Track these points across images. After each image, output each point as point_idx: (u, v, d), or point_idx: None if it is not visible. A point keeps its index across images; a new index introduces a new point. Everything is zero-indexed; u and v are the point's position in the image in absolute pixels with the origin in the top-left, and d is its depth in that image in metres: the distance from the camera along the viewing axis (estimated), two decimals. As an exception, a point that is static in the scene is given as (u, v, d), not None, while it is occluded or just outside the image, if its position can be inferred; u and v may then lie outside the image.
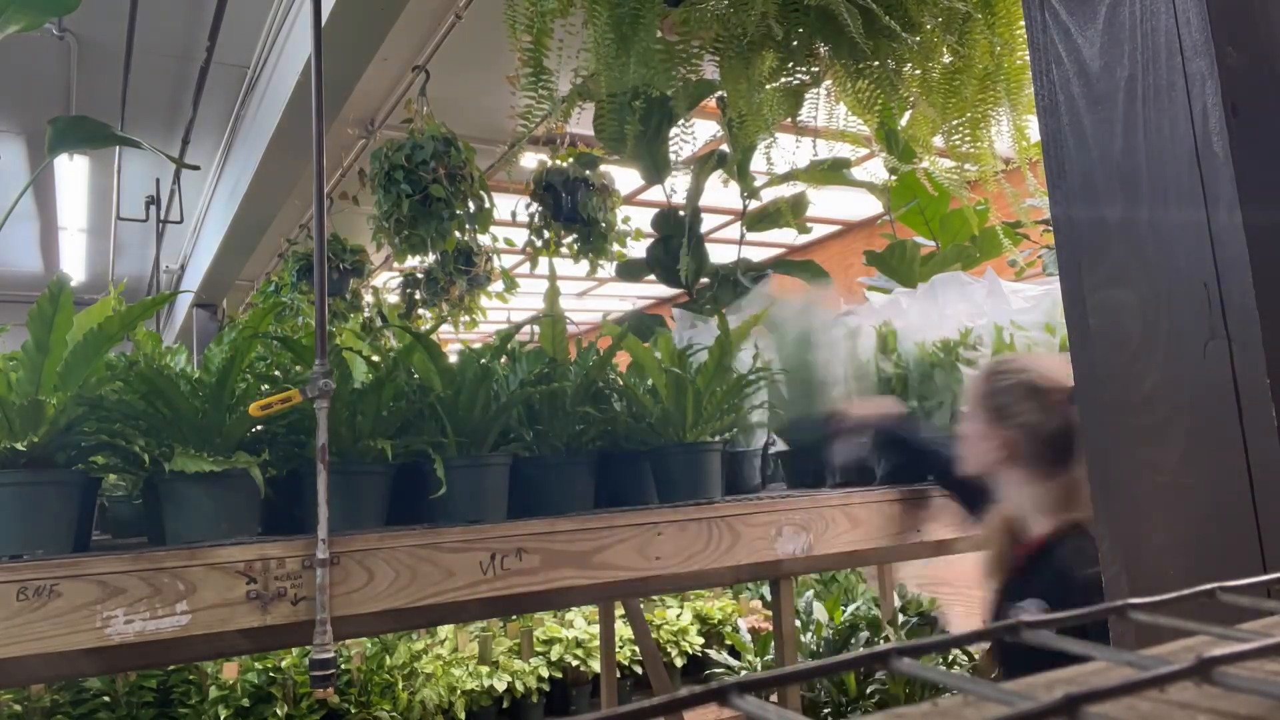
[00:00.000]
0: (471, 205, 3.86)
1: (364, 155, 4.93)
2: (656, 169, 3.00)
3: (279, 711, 3.50)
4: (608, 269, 3.85)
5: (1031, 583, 1.48)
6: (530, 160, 4.01)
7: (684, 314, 2.56)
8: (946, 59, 1.49)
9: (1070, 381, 1.09)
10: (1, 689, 3.12)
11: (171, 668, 3.51)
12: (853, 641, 3.66)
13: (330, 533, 1.34)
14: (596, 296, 10.27)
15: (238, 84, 5.12)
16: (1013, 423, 1.52)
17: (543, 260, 3.60)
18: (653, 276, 3.16)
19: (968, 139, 1.55)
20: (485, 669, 4.06)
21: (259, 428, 1.55)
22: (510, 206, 3.99)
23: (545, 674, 4.16)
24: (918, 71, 1.49)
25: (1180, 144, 0.76)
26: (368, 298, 5.69)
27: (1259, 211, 0.72)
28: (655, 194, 5.45)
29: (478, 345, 1.76)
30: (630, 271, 3.35)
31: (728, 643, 4.48)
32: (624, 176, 4.43)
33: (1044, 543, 1.49)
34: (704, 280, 3.09)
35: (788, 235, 3.81)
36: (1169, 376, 0.76)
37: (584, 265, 3.89)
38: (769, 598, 3.18)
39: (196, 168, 2.68)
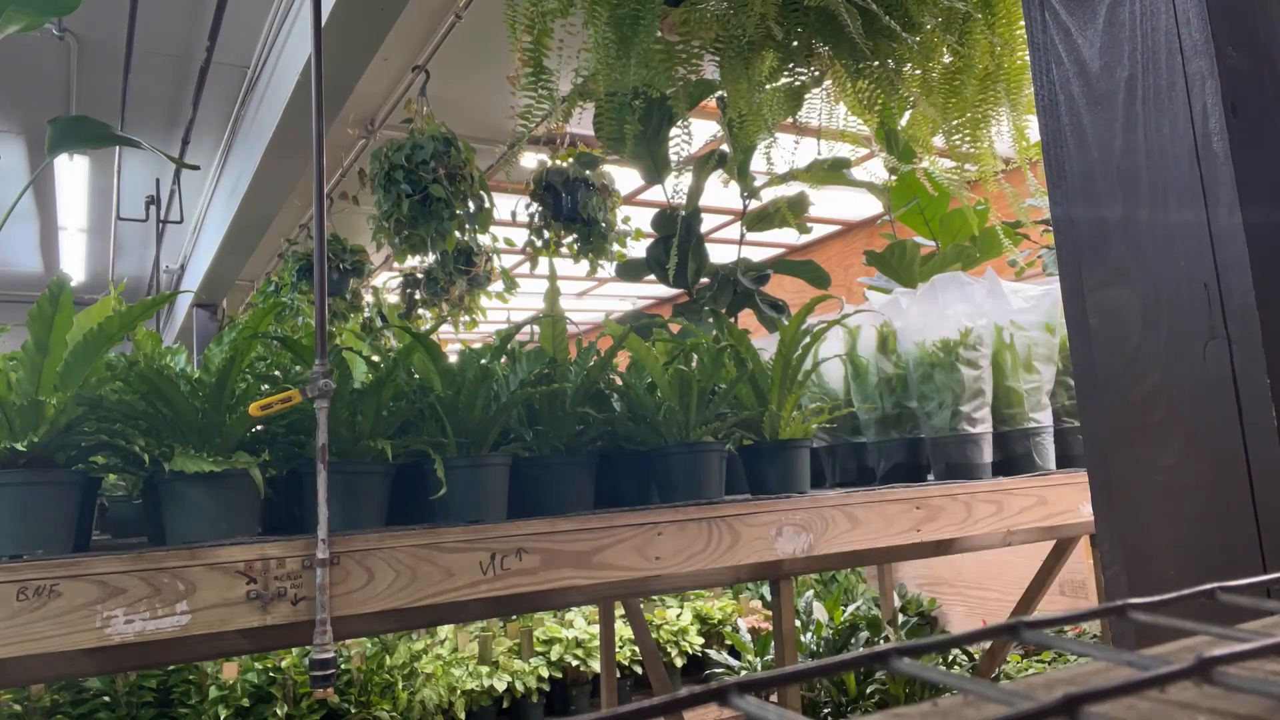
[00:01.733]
0: (471, 205, 3.86)
1: (364, 155, 4.93)
2: (656, 169, 3.00)
3: (279, 711, 3.51)
4: (608, 269, 3.85)
5: None
6: (530, 160, 4.01)
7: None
8: (946, 59, 1.49)
9: None
10: (1, 689, 3.12)
11: (171, 668, 3.51)
12: (853, 641, 3.66)
13: (330, 533, 1.34)
14: (596, 296, 10.26)
15: (238, 84, 5.11)
16: None
17: (543, 260, 3.60)
18: (653, 276, 3.15)
19: (968, 139, 1.54)
20: (485, 669, 4.06)
21: (259, 428, 1.55)
22: (510, 206, 3.99)
23: (545, 674, 4.17)
24: (918, 71, 1.49)
25: (1180, 144, 0.76)
26: (368, 298, 5.69)
27: (1259, 211, 0.72)
28: (655, 194, 5.46)
29: (478, 345, 1.76)
30: (630, 271, 3.35)
31: (728, 643, 4.49)
32: (624, 176, 4.43)
33: None
34: (704, 280, 3.09)
35: (788, 235, 3.80)
36: (1169, 376, 0.76)
37: (584, 265, 3.89)
38: (769, 598, 3.18)
39: (196, 168, 2.67)
